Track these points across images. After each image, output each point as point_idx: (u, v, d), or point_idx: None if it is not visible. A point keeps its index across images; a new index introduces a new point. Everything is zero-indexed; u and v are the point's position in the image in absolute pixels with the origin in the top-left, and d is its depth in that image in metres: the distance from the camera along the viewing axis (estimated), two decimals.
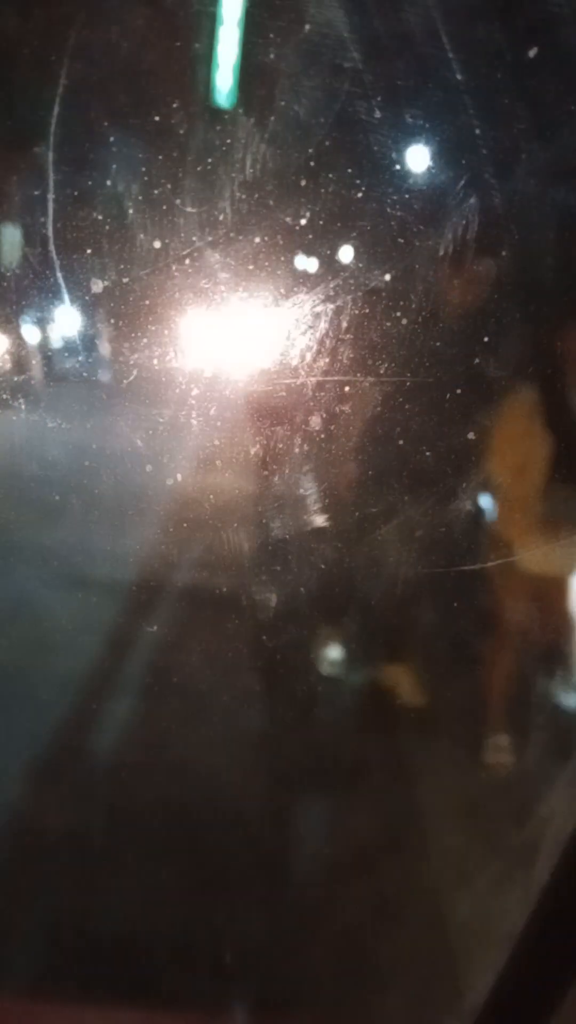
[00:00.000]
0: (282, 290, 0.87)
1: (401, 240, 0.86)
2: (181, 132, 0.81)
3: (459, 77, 0.82)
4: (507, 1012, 0.82)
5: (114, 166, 0.81)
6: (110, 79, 0.80)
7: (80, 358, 0.88)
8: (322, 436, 0.93)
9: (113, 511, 0.96)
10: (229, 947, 1.12)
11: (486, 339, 0.93)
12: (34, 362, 0.89)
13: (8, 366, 0.89)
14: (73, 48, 0.77)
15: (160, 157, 0.81)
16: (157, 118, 0.80)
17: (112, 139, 0.81)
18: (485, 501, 1.02)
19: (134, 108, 0.81)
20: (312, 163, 0.83)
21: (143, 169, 0.81)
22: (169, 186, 0.82)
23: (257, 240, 0.85)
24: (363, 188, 0.84)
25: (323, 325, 0.88)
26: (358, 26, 0.80)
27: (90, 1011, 1.10)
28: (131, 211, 0.82)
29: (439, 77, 0.82)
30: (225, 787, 1.10)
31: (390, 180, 0.85)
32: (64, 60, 0.77)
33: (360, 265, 0.87)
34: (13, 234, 0.83)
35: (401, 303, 0.89)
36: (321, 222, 0.85)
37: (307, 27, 0.79)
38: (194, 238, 0.84)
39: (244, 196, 0.83)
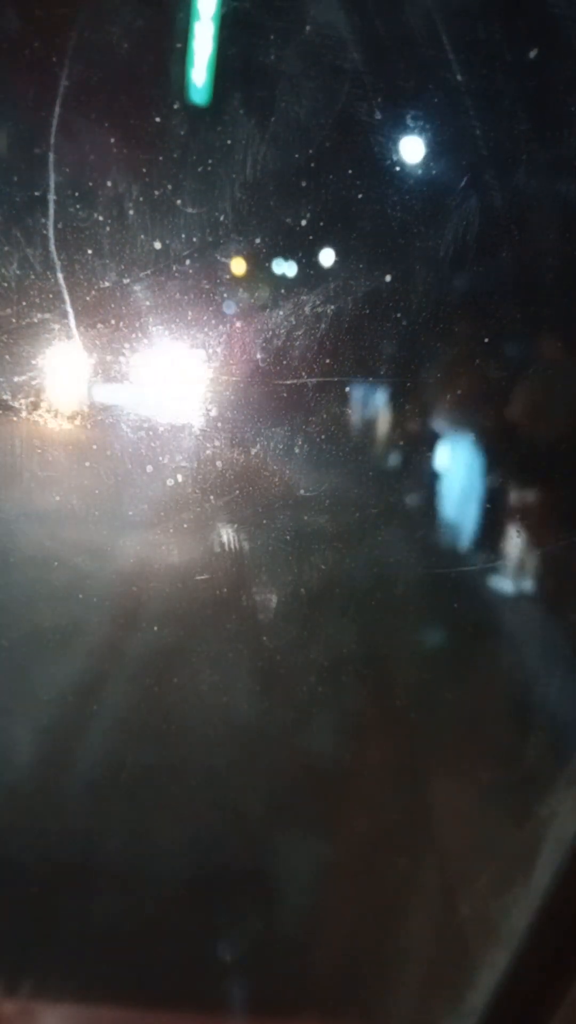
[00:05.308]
0: (282, 290, 0.87)
1: (401, 241, 0.86)
2: (182, 133, 0.81)
3: (459, 77, 0.82)
4: (508, 1012, 0.83)
5: (115, 167, 0.81)
6: (110, 79, 0.80)
7: (80, 358, 0.88)
8: (322, 436, 0.93)
9: (113, 511, 0.96)
10: (229, 947, 1.12)
11: (486, 339, 0.93)
12: (34, 362, 0.88)
13: (8, 367, 0.89)
14: (74, 48, 0.77)
15: (161, 158, 0.81)
16: (158, 119, 0.80)
17: (113, 140, 0.80)
18: (485, 501, 1.02)
19: (135, 108, 0.81)
20: (312, 164, 0.83)
21: (144, 170, 0.81)
22: (170, 187, 0.82)
23: (257, 241, 0.85)
24: (363, 189, 0.84)
25: (323, 325, 0.88)
26: (357, 25, 0.80)
27: (90, 1011, 1.10)
28: (132, 212, 0.82)
29: (439, 78, 0.82)
30: (225, 787, 1.10)
31: (390, 181, 0.85)
32: (65, 61, 0.77)
33: (360, 266, 0.87)
34: (13, 234, 0.83)
35: (401, 303, 0.89)
36: (321, 223, 0.85)
37: (308, 28, 0.79)
38: (195, 239, 0.84)
39: (244, 197, 0.83)
